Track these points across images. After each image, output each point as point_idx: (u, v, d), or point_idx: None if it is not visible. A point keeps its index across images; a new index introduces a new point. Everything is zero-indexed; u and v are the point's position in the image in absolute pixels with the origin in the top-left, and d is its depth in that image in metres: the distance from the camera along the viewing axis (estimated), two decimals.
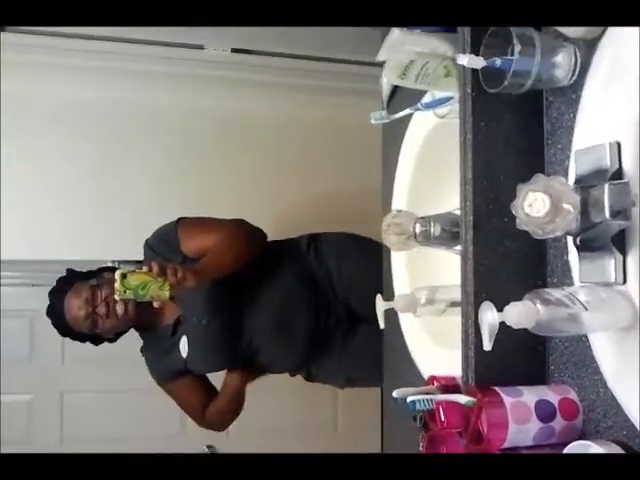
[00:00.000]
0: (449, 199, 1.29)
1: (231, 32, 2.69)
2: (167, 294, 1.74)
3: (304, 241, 2.23)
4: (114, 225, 2.84)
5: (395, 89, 1.63)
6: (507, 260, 1.11)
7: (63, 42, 2.64)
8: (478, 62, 1.00)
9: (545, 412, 1.01)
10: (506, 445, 1.00)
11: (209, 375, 2.22)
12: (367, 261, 2.01)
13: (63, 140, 2.84)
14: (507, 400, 1.01)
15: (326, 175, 3.02)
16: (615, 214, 0.87)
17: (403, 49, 1.24)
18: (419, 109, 1.34)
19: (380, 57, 1.28)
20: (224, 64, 2.83)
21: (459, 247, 1.17)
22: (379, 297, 1.41)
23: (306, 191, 3.00)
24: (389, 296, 1.54)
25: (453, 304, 1.29)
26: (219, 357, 2.11)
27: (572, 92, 1.04)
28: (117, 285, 1.70)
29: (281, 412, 3.19)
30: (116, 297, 1.73)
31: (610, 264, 0.92)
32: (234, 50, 2.83)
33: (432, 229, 1.27)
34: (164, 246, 2.05)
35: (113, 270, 1.74)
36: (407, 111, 1.38)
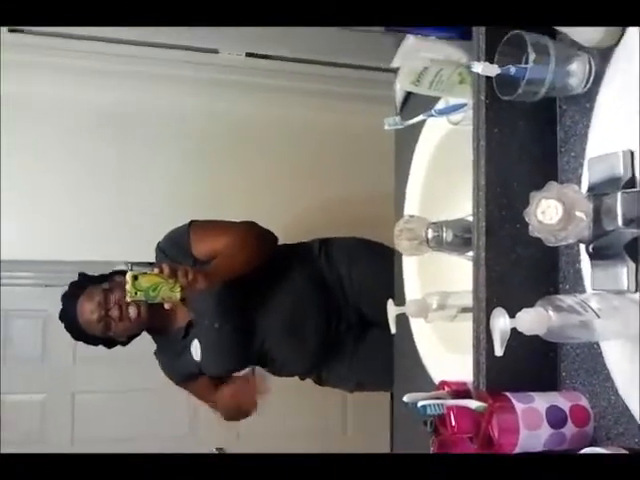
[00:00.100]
0: (461, 205, 1.29)
1: (245, 36, 2.69)
2: (178, 295, 1.75)
3: (316, 245, 2.24)
4: (127, 227, 2.86)
5: (408, 95, 1.63)
6: (519, 267, 1.12)
7: (81, 45, 2.66)
8: (493, 70, 1.00)
9: (556, 418, 1.01)
10: (517, 451, 1.00)
11: None
12: (378, 266, 2.02)
13: (80, 143, 2.86)
14: (518, 406, 1.01)
15: (339, 180, 3.03)
16: (628, 222, 0.87)
17: (417, 56, 1.25)
18: (433, 115, 1.34)
19: (395, 64, 1.29)
20: (238, 68, 2.83)
21: (471, 253, 1.17)
22: (390, 302, 1.42)
23: (319, 196, 3.01)
24: (400, 301, 1.54)
25: (464, 310, 1.30)
26: (232, 360, 2.12)
27: (586, 100, 1.04)
28: (128, 287, 1.71)
29: (291, 415, 3.19)
30: (127, 298, 1.74)
31: (622, 272, 0.92)
32: (248, 54, 2.84)
33: (444, 235, 1.28)
34: (176, 249, 2.06)
35: (125, 273, 1.75)
36: (421, 117, 1.38)
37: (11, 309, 3.14)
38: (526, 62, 0.98)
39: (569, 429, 1.01)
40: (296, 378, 2.30)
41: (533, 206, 0.87)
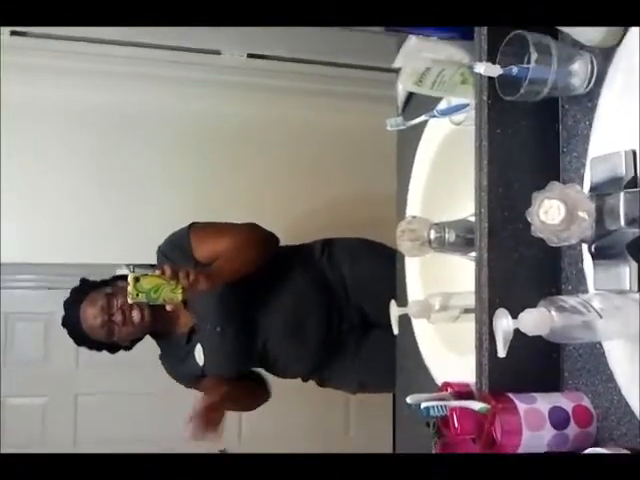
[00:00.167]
0: (463, 205, 1.29)
1: (247, 37, 2.70)
2: (179, 297, 1.75)
3: (318, 246, 2.24)
4: (129, 229, 2.86)
5: (410, 95, 1.63)
6: (521, 267, 1.12)
7: (82, 47, 2.67)
8: (495, 70, 1.00)
9: (559, 419, 1.01)
10: (520, 452, 1.00)
11: None
12: (381, 266, 2.02)
13: (81, 145, 2.87)
14: (521, 407, 1.01)
15: (340, 180, 3.03)
16: (630, 222, 0.87)
17: (419, 56, 1.25)
18: (435, 116, 1.34)
19: (397, 64, 1.30)
20: (240, 69, 2.84)
21: (473, 254, 1.17)
22: (393, 303, 1.42)
23: (320, 196, 3.01)
24: (402, 302, 1.55)
25: (467, 310, 1.30)
26: (235, 363, 2.12)
27: (588, 100, 1.04)
28: (130, 288, 1.71)
29: (293, 416, 3.20)
30: (129, 300, 1.74)
31: (625, 272, 0.92)
32: (250, 55, 2.84)
33: (447, 235, 1.27)
34: (177, 252, 2.05)
35: (127, 278, 1.75)
36: (423, 118, 1.38)
37: (13, 312, 3.15)
38: (528, 62, 0.98)
39: (572, 430, 1.01)
40: (298, 380, 2.30)
41: (536, 206, 0.87)
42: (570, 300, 0.89)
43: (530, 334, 0.87)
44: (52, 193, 2.86)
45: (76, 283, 2.16)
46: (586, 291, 1.03)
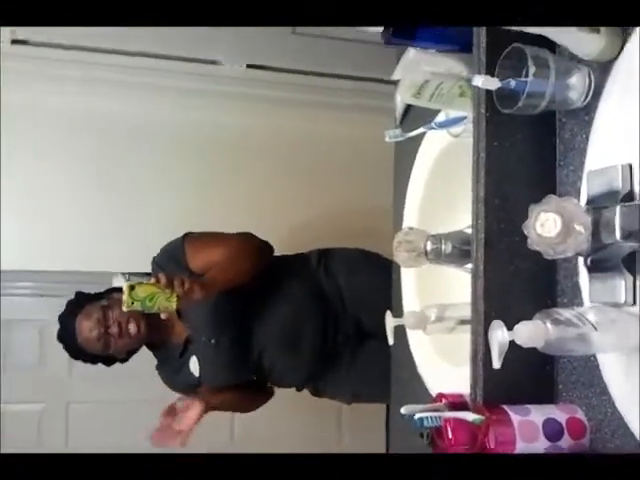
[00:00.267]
0: (460, 217, 1.29)
1: (246, 48, 2.71)
2: (174, 306, 1.75)
3: (314, 256, 2.24)
4: (126, 237, 2.86)
5: (409, 107, 1.64)
6: (517, 279, 1.12)
7: (84, 56, 2.68)
8: (493, 83, 1.00)
9: (553, 431, 1.01)
10: None
11: None
12: (377, 277, 2.02)
13: (79, 153, 2.87)
14: (515, 418, 1.01)
15: (338, 191, 3.04)
16: (626, 236, 0.87)
17: (418, 68, 1.26)
18: (433, 128, 1.35)
19: (395, 76, 1.30)
20: (239, 80, 2.85)
21: (469, 265, 1.17)
22: (389, 313, 1.42)
23: (318, 207, 3.02)
24: (398, 313, 1.55)
25: (462, 322, 1.30)
26: (231, 374, 2.12)
27: (585, 114, 1.05)
28: (125, 296, 1.71)
29: (285, 425, 3.19)
30: (124, 308, 1.73)
31: (620, 285, 0.93)
32: (249, 66, 2.85)
33: (443, 247, 1.28)
34: (172, 262, 2.05)
35: (122, 290, 1.75)
36: (421, 129, 1.39)
37: (8, 319, 3.14)
38: (526, 75, 0.98)
39: (566, 442, 1.01)
40: (292, 389, 2.30)
41: (532, 219, 0.88)
42: (565, 313, 0.89)
43: (525, 346, 0.88)
44: (50, 200, 2.86)
45: (72, 291, 2.16)
46: (581, 304, 1.03)
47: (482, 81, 1.01)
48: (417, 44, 1.26)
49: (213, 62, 2.83)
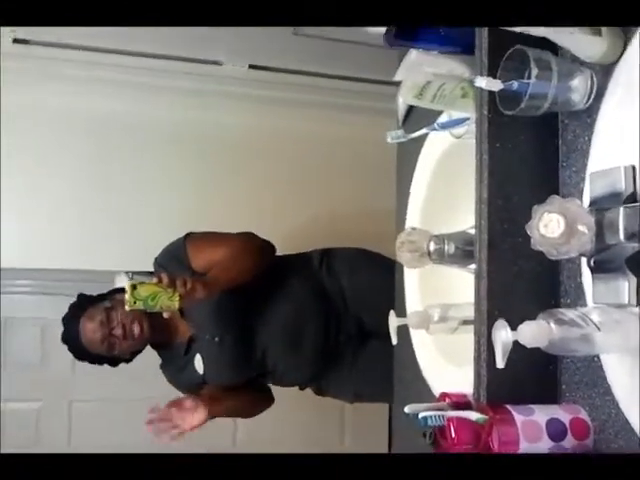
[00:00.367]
0: (463, 218, 1.30)
1: (248, 48, 2.71)
2: (176, 305, 1.75)
3: (316, 256, 2.24)
4: (128, 235, 2.87)
5: (411, 108, 1.64)
6: (520, 280, 1.12)
7: (85, 56, 2.68)
8: (496, 85, 1.01)
9: (556, 431, 1.02)
10: None
11: None
12: (379, 277, 2.03)
13: (81, 152, 2.88)
14: (518, 418, 1.02)
15: (340, 192, 3.04)
16: (629, 236, 0.88)
17: (420, 70, 1.26)
18: (435, 129, 1.36)
19: (397, 77, 1.30)
20: (241, 80, 2.85)
21: (472, 266, 1.18)
22: (392, 313, 1.42)
23: (320, 207, 3.03)
24: (401, 313, 1.55)
25: (465, 322, 1.31)
26: (235, 372, 2.12)
27: (587, 116, 1.05)
28: (127, 296, 1.72)
29: (287, 425, 3.19)
30: (126, 308, 1.74)
31: (624, 286, 0.93)
32: (251, 66, 2.85)
33: (446, 247, 1.28)
34: (174, 262, 2.05)
35: (124, 291, 1.75)
36: (424, 131, 1.40)
37: (10, 317, 3.14)
38: (529, 77, 0.99)
39: (569, 442, 1.02)
40: (294, 388, 2.30)
41: (536, 219, 0.88)
42: (569, 313, 0.90)
43: (529, 346, 0.88)
44: (51, 198, 2.86)
45: (74, 289, 2.16)
46: (584, 305, 1.04)
47: (485, 82, 1.01)
48: (419, 45, 1.27)
49: (215, 62, 2.83)
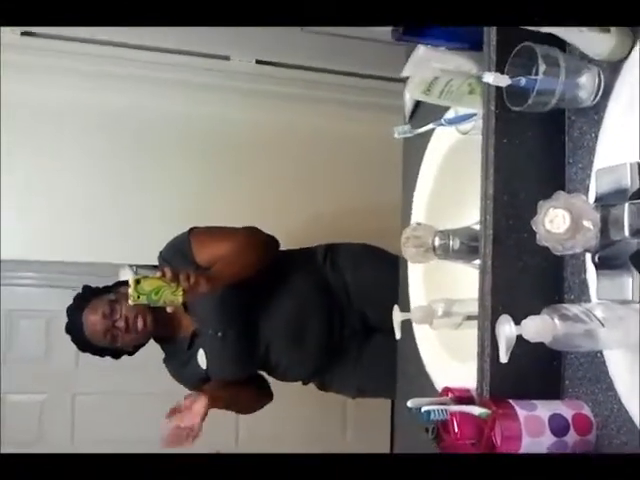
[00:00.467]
0: (468, 213, 1.30)
1: (256, 43, 2.72)
2: (180, 299, 1.76)
3: (320, 251, 2.24)
4: (133, 228, 2.88)
5: (417, 104, 1.65)
6: (525, 275, 1.13)
7: (93, 49, 2.69)
8: (503, 80, 1.01)
9: (559, 426, 1.02)
10: None
11: None
12: (383, 272, 2.02)
13: (88, 144, 2.88)
14: (521, 413, 1.02)
15: (346, 187, 3.05)
16: (635, 233, 0.88)
17: (428, 66, 1.26)
18: (442, 124, 1.36)
19: (405, 73, 1.31)
20: (248, 75, 2.85)
21: (477, 261, 1.18)
22: (396, 308, 1.43)
23: (326, 202, 3.03)
24: (404, 308, 1.55)
25: (469, 317, 1.31)
26: (238, 367, 2.12)
27: (594, 112, 1.05)
28: (131, 290, 1.72)
29: (289, 420, 3.20)
30: (130, 302, 1.74)
31: (628, 282, 0.93)
32: (258, 62, 2.86)
33: (451, 242, 1.29)
34: (178, 256, 2.05)
35: (129, 284, 1.76)
36: (431, 126, 1.40)
37: (14, 309, 3.16)
38: (536, 73, 0.99)
39: (571, 437, 1.02)
40: (296, 383, 2.31)
41: (541, 215, 0.88)
42: (573, 308, 0.90)
43: (532, 341, 0.88)
44: (57, 191, 2.87)
45: (79, 282, 2.17)
46: (588, 300, 1.04)
47: (493, 78, 1.01)
48: (427, 41, 1.27)
49: (223, 57, 2.83)
